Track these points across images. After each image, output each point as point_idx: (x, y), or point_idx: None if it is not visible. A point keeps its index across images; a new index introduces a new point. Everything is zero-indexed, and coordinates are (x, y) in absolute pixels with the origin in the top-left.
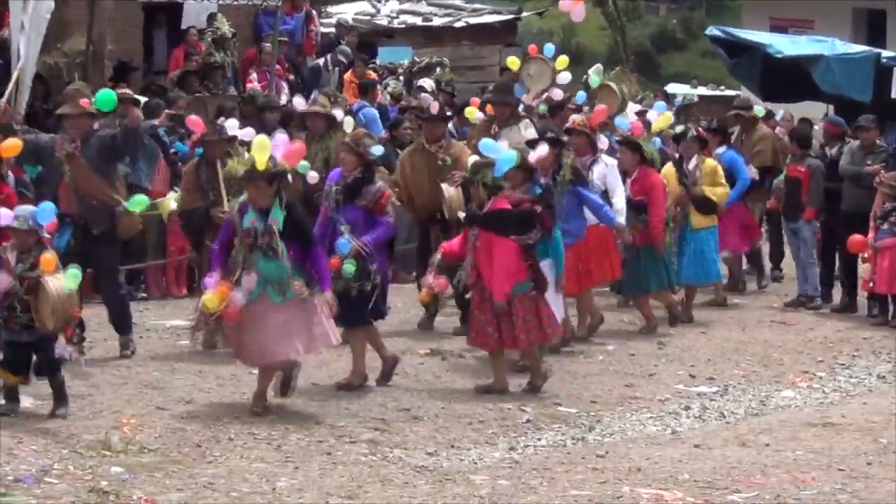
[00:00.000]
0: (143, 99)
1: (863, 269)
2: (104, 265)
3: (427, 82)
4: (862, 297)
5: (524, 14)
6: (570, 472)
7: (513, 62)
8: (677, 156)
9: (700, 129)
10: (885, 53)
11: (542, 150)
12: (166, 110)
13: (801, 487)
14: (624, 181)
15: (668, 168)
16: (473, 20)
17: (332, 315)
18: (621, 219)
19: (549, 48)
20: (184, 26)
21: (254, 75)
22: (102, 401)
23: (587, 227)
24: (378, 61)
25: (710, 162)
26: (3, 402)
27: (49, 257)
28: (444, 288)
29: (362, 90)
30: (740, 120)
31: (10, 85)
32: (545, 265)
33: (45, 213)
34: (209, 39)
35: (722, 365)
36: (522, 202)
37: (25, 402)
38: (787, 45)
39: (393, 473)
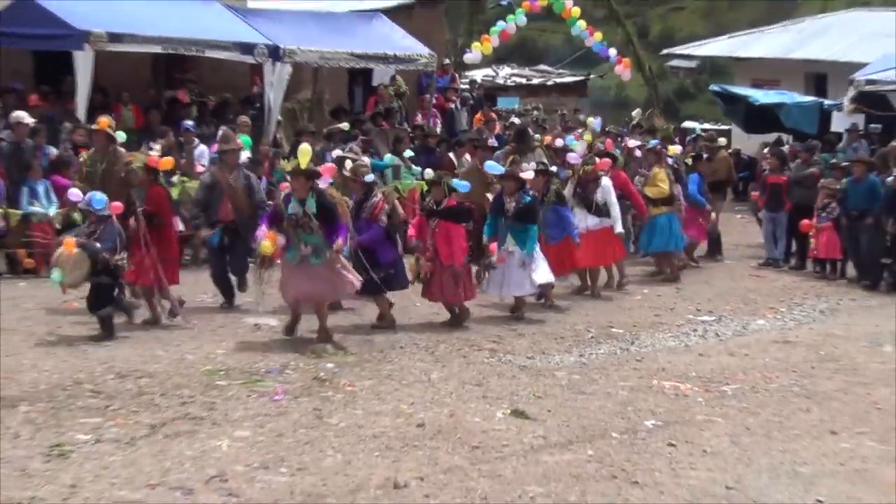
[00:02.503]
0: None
1: (810, 242)
2: (242, 253)
3: (516, 120)
4: (809, 261)
5: (591, 76)
6: (619, 371)
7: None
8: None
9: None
10: (826, 102)
11: (529, 174)
12: (361, 137)
13: (769, 382)
14: None
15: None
16: (558, 80)
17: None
18: (619, 224)
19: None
20: (374, 83)
21: (419, 116)
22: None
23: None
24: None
25: (657, 170)
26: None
27: (69, 240)
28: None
29: (486, 124)
30: (707, 149)
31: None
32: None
33: (96, 200)
34: (391, 92)
35: (718, 302)
36: (461, 203)
37: (271, 320)
38: (762, 97)
39: (505, 370)
